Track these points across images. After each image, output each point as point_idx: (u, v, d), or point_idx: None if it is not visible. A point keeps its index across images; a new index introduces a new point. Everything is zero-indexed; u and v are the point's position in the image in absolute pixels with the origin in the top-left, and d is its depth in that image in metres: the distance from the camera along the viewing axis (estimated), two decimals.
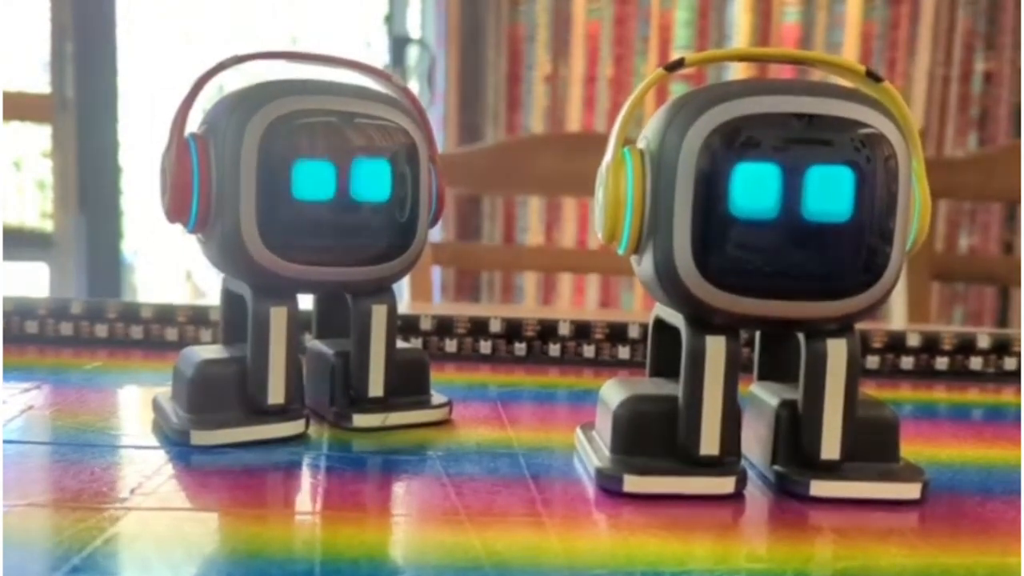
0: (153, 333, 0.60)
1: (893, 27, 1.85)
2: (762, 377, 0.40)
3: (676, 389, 0.35)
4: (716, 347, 0.34)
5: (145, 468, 0.35)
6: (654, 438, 0.35)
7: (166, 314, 0.60)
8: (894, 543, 0.32)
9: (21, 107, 1.83)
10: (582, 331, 0.60)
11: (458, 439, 0.42)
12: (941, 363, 0.61)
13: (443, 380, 0.47)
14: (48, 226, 1.90)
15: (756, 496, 0.36)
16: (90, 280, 1.87)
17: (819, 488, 0.35)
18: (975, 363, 0.61)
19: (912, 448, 0.38)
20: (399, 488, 0.36)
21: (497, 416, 0.46)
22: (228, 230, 0.38)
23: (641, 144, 0.35)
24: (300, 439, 0.40)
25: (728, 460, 0.35)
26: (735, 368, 0.35)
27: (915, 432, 0.46)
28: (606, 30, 1.87)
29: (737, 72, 1.77)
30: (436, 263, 1.14)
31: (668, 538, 0.31)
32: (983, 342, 0.61)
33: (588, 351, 0.60)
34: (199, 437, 0.38)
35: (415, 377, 0.44)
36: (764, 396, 0.38)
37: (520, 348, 0.60)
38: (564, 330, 0.60)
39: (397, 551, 0.30)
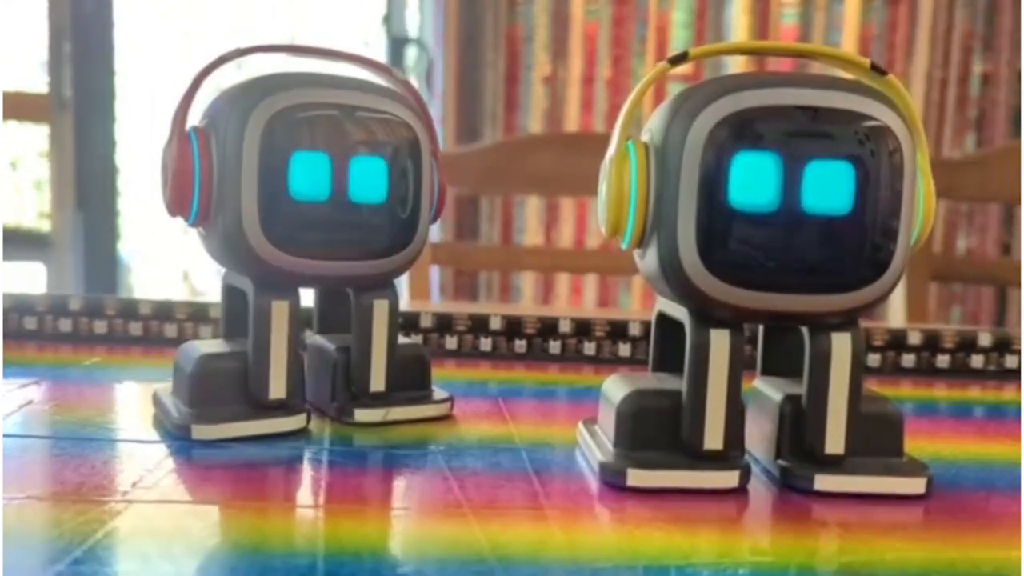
0: (152, 330, 0.59)
1: (891, 29, 1.85)
2: (765, 372, 0.40)
3: (679, 384, 0.35)
4: (720, 341, 0.34)
5: (146, 462, 0.35)
6: (657, 432, 0.35)
7: (165, 311, 0.60)
8: (898, 537, 0.31)
9: (19, 107, 1.83)
10: (582, 328, 0.60)
11: (460, 434, 0.42)
12: (942, 361, 0.61)
13: (443, 377, 0.47)
14: (45, 226, 1.90)
15: (760, 490, 0.35)
16: (87, 280, 1.87)
17: (823, 482, 0.35)
18: (976, 361, 0.61)
19: (914, 444, 0.38)
20: (401, 482, 0.36)
21: (498, 412, 0.46)
22: (229, 224, 0.38)
23: (645, 137, 0.35)
24: (301, 434, 0.40)
25: (732, 454, 0.35)
26: (739, 362, 0.34)
27: (916, 429, 0.46)
28: (604, 31, 1.87)
29: (736, 69, 1.77)
30: (434, 263, 1.14)
31: (672, 532, 0.31)
32: (984, 340, 0.61)
33: (589, 348, 0.60)
34: (200, 431, 0.38)
35: (416, 373, 0.44)
36: (768, 391, 0.38)
37: (520, 345, 0.60)
38: (564, 327, 0.60)
39: (400, 544, 0.30)
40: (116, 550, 0.28)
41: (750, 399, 0.38)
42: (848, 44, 1.85)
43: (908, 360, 0.61)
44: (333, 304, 0.46)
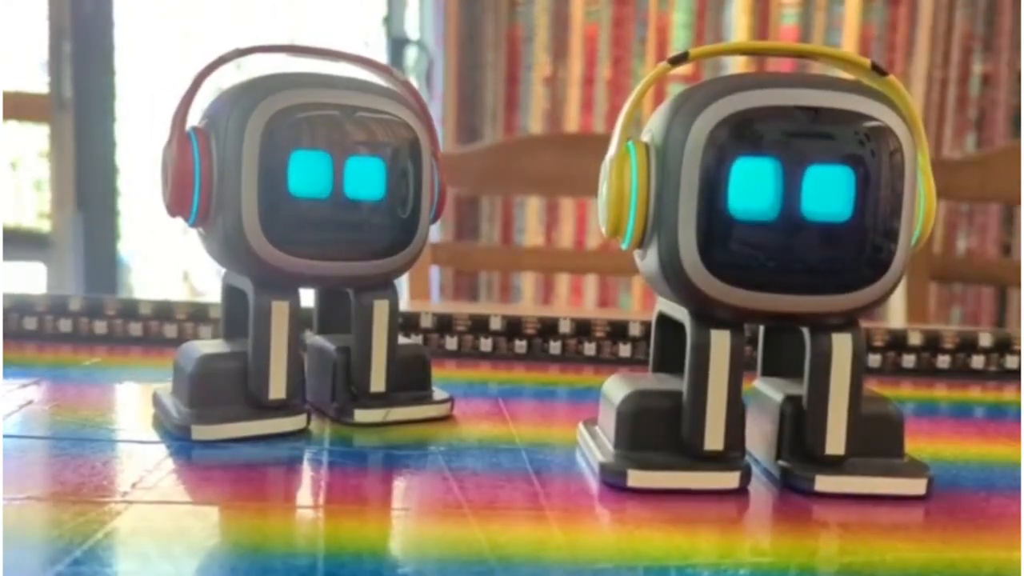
0: (152, 330, 0.59)
1: (891, 29, 1.85)
2: (766, 373, 0.40)
3: (680, 384, 0.35)
4: (721, 342, 0.34)
5: (146, 462, 0.35)
6: (658, 433, 0.35)
7: (165, 311, 0.60)
8: (899, 538, 0.31)
9: (19, 107, 1.83)
10: (583, 329, 0.60)
11: (460, 434, 0.42)
12: (943, 361, 0.61)
13: (443, 377, 0.47)
14: (45, 226, 1.90)
15: (760, 491, 0.35)
16: (87, 280, 1.87)
17: (824, 483, 0.35)
18: (977, 361, 0.61)
19: (914, 445, 0.38)
20: (401, 482, 0.36)
21: (498, 412, 0.46)
22: (229, 224, 0.38)
23: (645, 137, 0.35)
24: (301, 434, 0.40)
25: (732, 455, 0.35)
26: (739, 362, 0.34)
27: (917, 429, 0.46)
28: (604, 32, 1.87)
29: (736, 70, 1.77)
30: (435, 263, 1.14)
31: (672, 532, 0.31)
32: (985, 340, 0.61)
33: (589, 349, 0.60)
34: (200, 432, 0.38)
35: (416, 373, 0.44)
36: (768, 391, 0.38)
37: (520, 346, 0.60)
38: (565, 328, 0.60)
39: (400, 545, 0.30)
40: (116, 550, 0.28)
41: (750, 400, 0.38)
42: (848, 44, 1.84)
43: (908, 360, 0.61)
44: (333, 304, 0.46)
